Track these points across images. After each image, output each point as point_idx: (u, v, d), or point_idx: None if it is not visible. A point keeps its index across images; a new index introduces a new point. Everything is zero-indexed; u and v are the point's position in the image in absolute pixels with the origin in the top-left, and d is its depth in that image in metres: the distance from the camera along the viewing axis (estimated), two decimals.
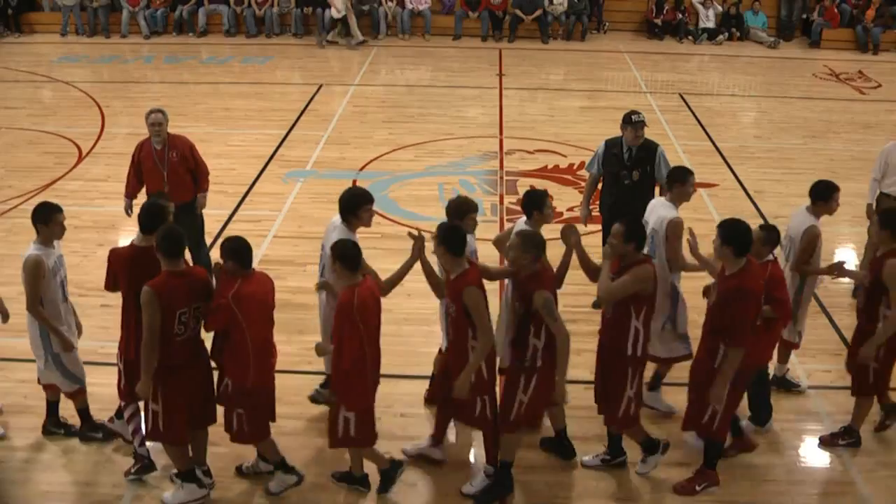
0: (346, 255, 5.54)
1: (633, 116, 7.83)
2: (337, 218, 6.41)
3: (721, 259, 5.72)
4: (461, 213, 6.26)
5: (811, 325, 8.21)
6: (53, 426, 6.60)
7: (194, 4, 20.10)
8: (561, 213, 10.65)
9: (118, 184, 10.79)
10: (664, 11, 20.44)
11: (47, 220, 6.13)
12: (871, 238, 6.66)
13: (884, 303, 6.14)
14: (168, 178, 8.19)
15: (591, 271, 6.14)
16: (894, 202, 8.53)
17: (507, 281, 6.25)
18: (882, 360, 6.31)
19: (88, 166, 12.11)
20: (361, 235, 9.50)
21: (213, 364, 5.94)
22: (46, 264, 6.05)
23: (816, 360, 7.80)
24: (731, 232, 5.61)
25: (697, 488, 6.14)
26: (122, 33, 19.89)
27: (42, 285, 6.05)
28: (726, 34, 20.39)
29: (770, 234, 6.16)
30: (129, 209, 8.51)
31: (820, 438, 6.71)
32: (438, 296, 6.11)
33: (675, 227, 6.55)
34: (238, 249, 5.61)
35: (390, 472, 6.07)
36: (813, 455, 6.72)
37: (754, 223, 7.77)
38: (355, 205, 6.27)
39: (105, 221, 10.22)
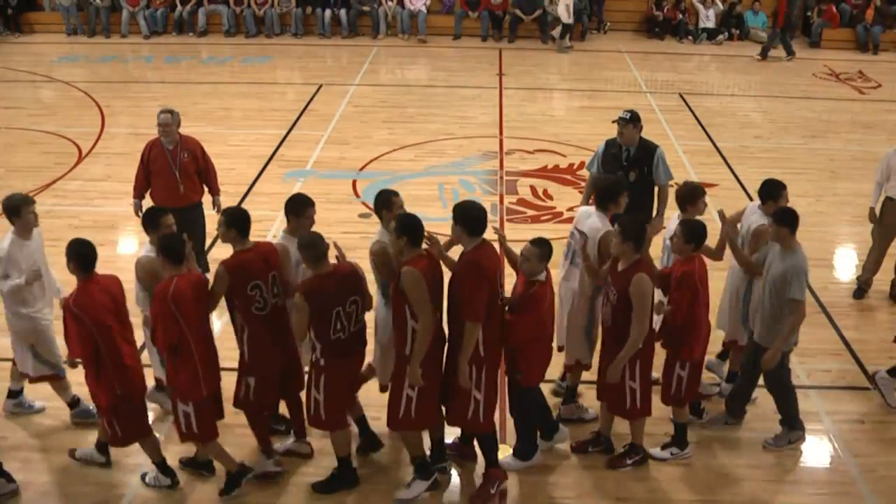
0: (168, 249, 5.67)
1: (619, 114, 7.85)
2: (590, 208, 6.65)
3: (457, 239, 5.78)
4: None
5: (811, 325, 8.23)
6: None
7: (194, 4, 20.11)
8: (561, 213, 10.67)
9: (118, 184, 10.87)
10: (664, 10, 20.45)
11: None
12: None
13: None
14: (180, 178, 8.19)
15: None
16: None
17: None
18: (640, 377, 6.08)
19: (88, 166, 12.11)
20: (362, 236, 9.51)
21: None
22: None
23: (816, 359, 7.81)
24: (462, 212, 5.71)
25: (492, 491, 6.05)
26: (122, 33, 19.90)
27: None
28: (726, 34, 20.39)
29: (543, 248, 5.87)
30: (138, 210, 8.48)
31: (607, 462, 6.44)
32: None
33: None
34: (83, 254, 5.72)
35: (237, 476, 6.03)
36: (813, 455, 6.72)
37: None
38: (616, 192, 6.48)
39: (105, 221, 10.22)
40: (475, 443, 6.30)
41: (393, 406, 5.87)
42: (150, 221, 6.25)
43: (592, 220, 6.54)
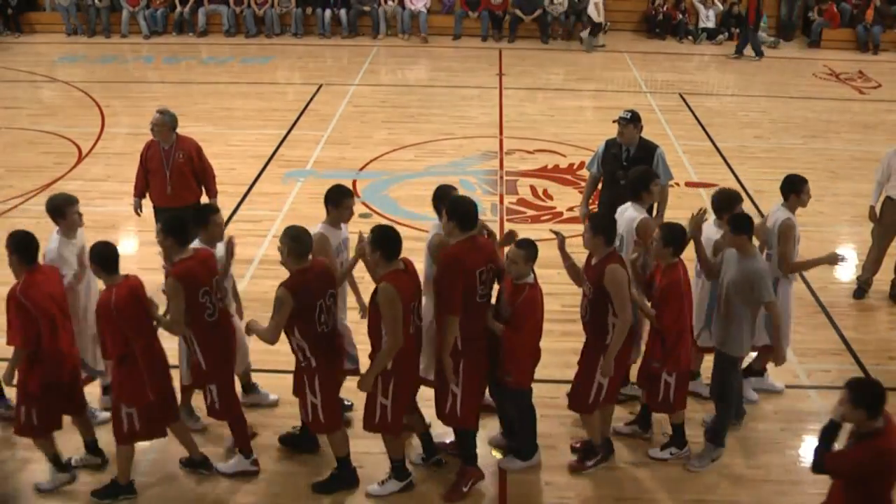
0: (102, 257, 5.64)
1: (619, 114, 7.86)
2: (626, 204, 6.74)
3: (448, 234, 5.80)
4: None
5: (811, 325, 8.25)
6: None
7: (194, 4, 20.11)
8: (561, 213, 10.67)
9: (118, 184, 10.88)
10: (664, 8, 20.46)
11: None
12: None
13: (610, 311, 5.86)
14: (171, 178, 8.19)
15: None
16: None
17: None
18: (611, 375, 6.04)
19: (88, 166, 12.12)
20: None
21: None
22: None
23: (816, 359, 7.81)
24: (454, 207, 5.77)
25: (465, 489, 6.09)
26: (122, 33, 19.91)
27: None
28: (726, 34, 20.38)
29: (529, 250, 5.80)
30: (138, 208, 8.51)
31: (569, 466, 6.42)
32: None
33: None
34: (25, 246, 5.74)
35: (121, 489, 6.00)
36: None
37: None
38: (647, 180, 6.68)
39: (105, 221, 10.21)
40: (455, 438, 6.31)
41: (368, 409, 5.88)
42: (199, 219, 6.29)
43: (629, 212, 6.61)
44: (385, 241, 5.57)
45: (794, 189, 6.79)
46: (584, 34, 19.57)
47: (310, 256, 5.72)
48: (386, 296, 5.47)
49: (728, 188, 6.91)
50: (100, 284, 5.98)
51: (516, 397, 6.18)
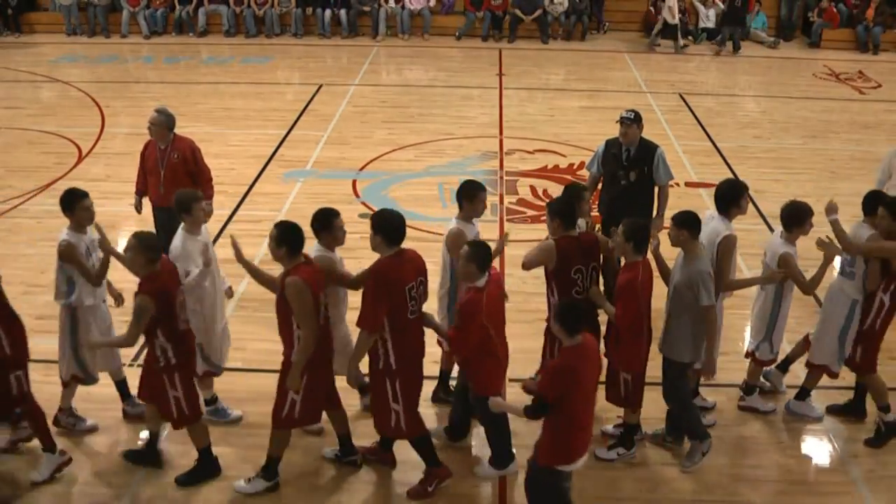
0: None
1: (621, 114, 7.85)
2: (712, 212, 6.64)
3: (374, 248, 5.74)
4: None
5: (812, 325, 8.22)
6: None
7: (195, 5, 20.11)
8: None
9: (118, 184, 10.88)
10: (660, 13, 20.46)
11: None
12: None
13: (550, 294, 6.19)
14: (165, 178, 8.13)
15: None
16: None
17: None
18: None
19: (88, 166, 12.11)
20: (362, 236, 9.49)
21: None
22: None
23: None
24: (381, 221, 5.70)
25: (430, 488, 6.06)
26: (122, 33, 19.91)
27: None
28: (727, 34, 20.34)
29: (472, 249, 5.65)
30: (138, 206, 8.50)
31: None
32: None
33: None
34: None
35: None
36: (813, 455, 6.73)
37: (754, 224, 7.80)
38: (738, 194, 6.55)
39: (105, 221, 10.01)
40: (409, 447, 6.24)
41: (278, 405, 5.88)
42: (322, 223, 6.11)
43: (713, 224, 6.45)
44: (291, 237, 5.62)
45: (877, 207, 6.50)
46: (653, 35, 19.55)
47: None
48: (295, 288, 5.51)
49: (799, 201, 6.58)
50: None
51: (478, 403, 6.02)
